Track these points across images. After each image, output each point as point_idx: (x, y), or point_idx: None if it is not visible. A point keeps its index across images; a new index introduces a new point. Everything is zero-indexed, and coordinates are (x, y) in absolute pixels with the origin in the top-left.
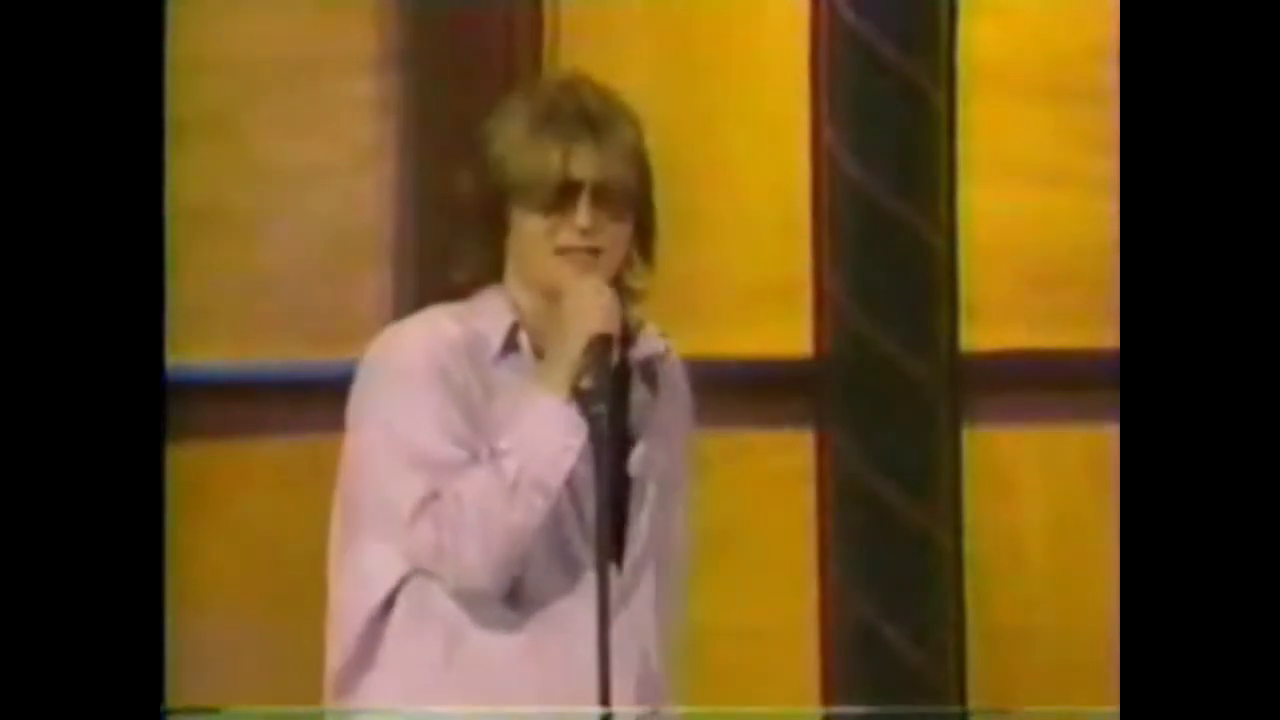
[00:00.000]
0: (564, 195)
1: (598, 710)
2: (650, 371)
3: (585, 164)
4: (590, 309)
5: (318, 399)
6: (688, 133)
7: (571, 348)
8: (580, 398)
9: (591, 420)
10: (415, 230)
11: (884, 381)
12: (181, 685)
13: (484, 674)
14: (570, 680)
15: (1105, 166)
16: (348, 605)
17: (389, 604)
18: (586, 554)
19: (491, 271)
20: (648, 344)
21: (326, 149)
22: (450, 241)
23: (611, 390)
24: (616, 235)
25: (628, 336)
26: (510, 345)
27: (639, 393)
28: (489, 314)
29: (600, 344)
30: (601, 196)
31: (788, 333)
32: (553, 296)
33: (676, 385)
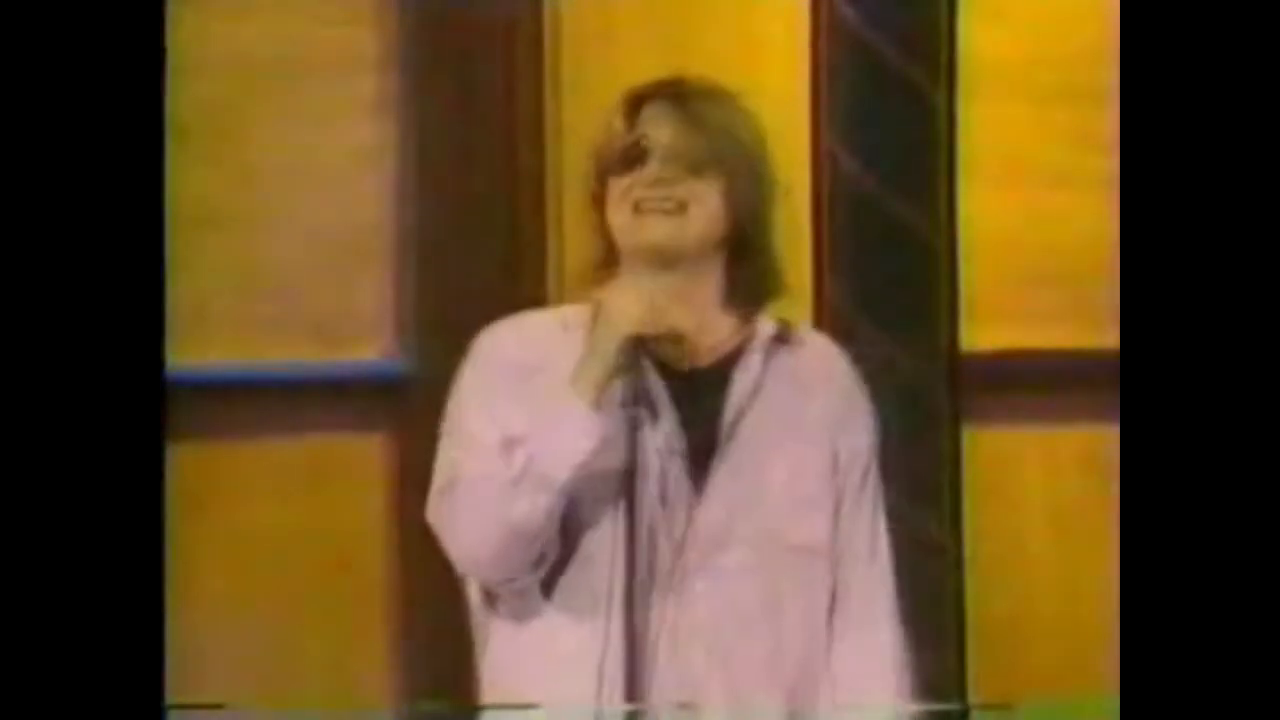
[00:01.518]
0: (637, 155)
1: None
2: (750, 363)
3: (656, 125)
4: (626, 309)
5: (318, 399)
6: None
7: (603, 348)
8: (619, 400)
9: (628, 422)
10: (415, 230)
11: (884, 382)
12: (181, 685)
13: (526, 649)
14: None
15: (1105, 166)
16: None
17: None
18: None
19: (608, 255)
20: (759, 333)
21: (326, 149)
22: (524, 244)
23: (698, 387)
24: (700, 193)
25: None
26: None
27: (740, 381)
28: (586, 307)
29: (634, 346)
30: (677, 154)
31: None
32: (633, 252)
33: (801, 372)
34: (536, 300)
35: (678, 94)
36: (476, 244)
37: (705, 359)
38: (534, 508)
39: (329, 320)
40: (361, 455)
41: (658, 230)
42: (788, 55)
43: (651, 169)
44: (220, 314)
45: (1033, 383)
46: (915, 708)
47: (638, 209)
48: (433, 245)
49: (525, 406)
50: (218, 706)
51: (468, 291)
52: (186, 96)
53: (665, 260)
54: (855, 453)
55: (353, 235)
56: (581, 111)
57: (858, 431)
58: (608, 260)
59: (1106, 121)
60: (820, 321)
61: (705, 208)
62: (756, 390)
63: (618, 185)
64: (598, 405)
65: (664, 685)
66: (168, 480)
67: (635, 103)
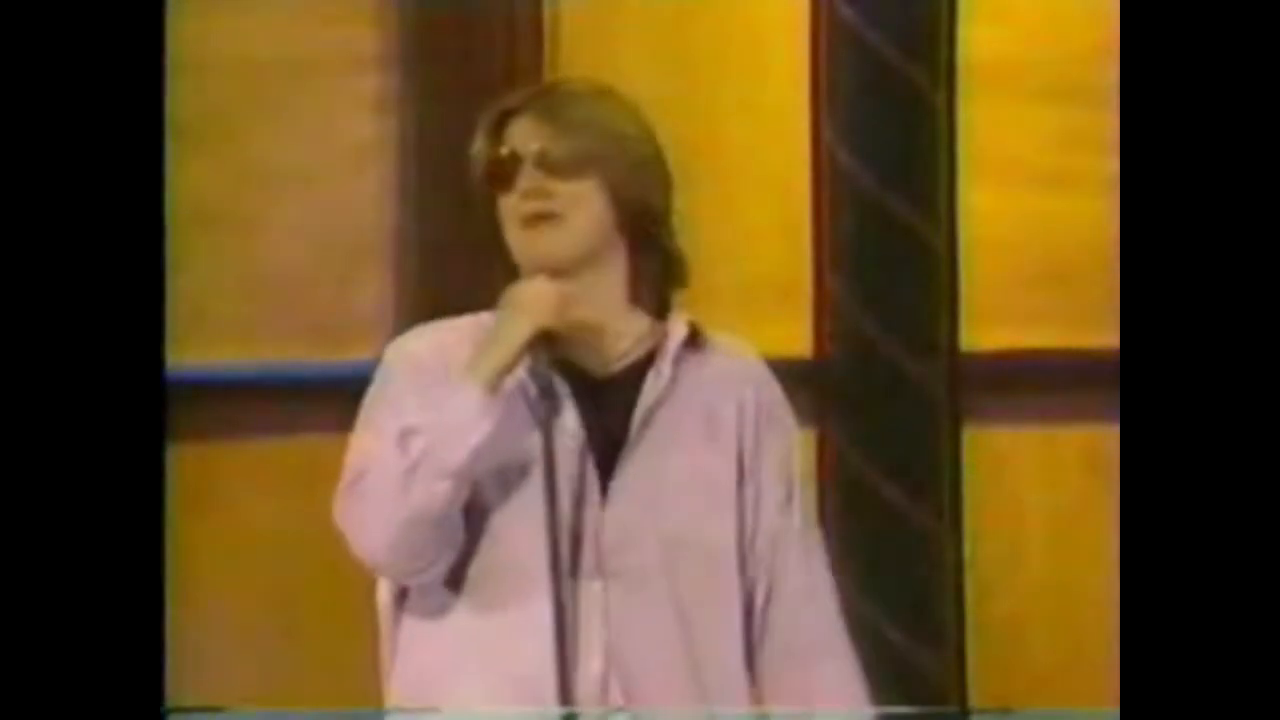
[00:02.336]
0: (508, 171)
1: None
2: (663, 361)
3: (521, 135)
4: (531, 301)
5: (318, 399)
6: (687, 133)
7: (507, 336)
8: (529, 395)
9: (540, 424)
10: (415, 230)
11: (884, 381)
12: (182, 685)
13: (437, 659)
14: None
15: (1105, 166)
16: (379, 603)
17: (403, 595)
18: (547, 559)
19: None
20: (671, 333)
21: (327, 149)
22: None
23: (606, 383)
24: (576, 195)
25: (648, 325)
26: None
27: (650, 380)
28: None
29: (540, 340)
30: (547, 164)
31: (788, 333)
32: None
33: (712, 376)
34: None
35: (544, 103)
36: (476, 244)
37: (616, 364)
38: (431, 494)
39: (329, 320)
40: None
41: (543, 242)
42: (788, 55)
43: (523, 180)
44: (220, 314)
45: (1033, 383)
46: (915, 710)
47: (523, 224)
48: (433, 245)
49: (427, 404)
50: (217, 709)
51: (468, 291)
52: (186, 96)
53: (559, 269)
54: (773, 465)
55: (353, 235)
56: None
57: (774, 443)
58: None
59: (1106, 121)
60: (820, 321)
61: (587, 210)
62: (666, 395)
63: (505, 204)
64: (493, 390)
65: (581, 689)
66: (168, 480)
67: (501, 118)
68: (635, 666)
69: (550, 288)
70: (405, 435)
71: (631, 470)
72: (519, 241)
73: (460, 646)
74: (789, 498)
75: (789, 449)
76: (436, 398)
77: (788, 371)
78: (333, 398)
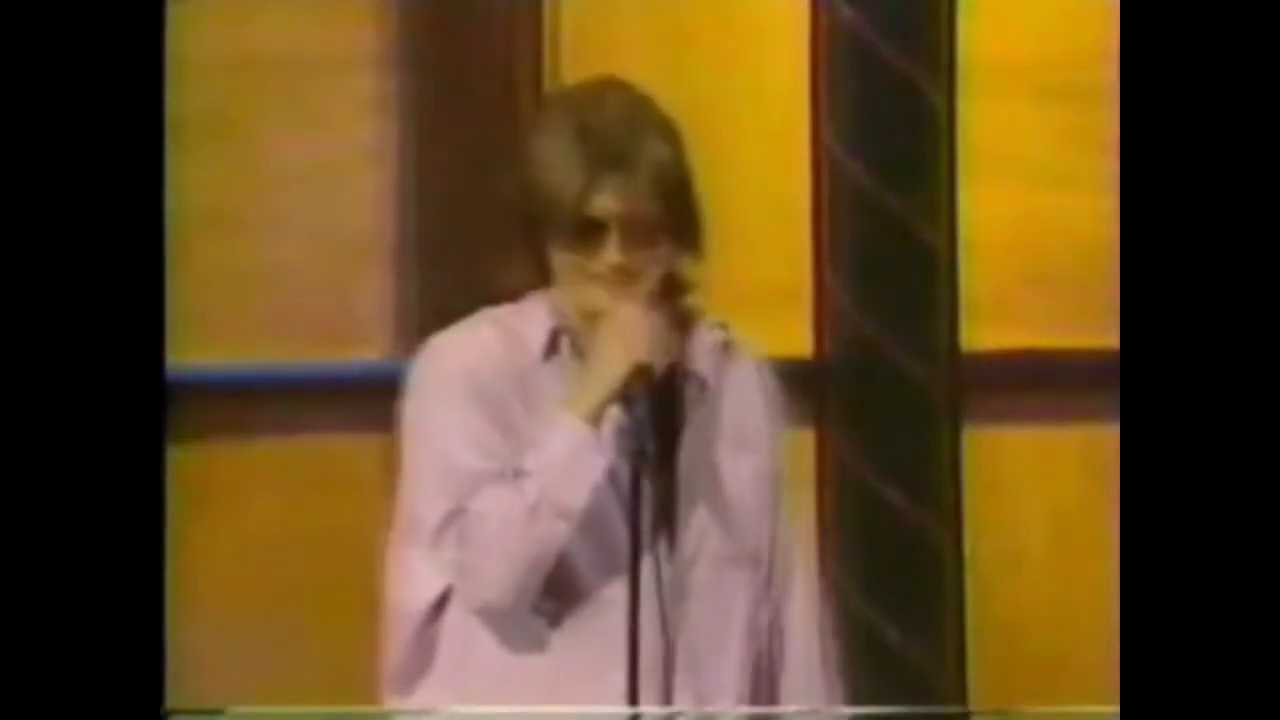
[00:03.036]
0: (592, 230)
1: (623, 710)
2: (699, 370)
3: (611, 200)
4: (630, 338)
5: (318, 399)
6: (687, 133)
7: (608, 375)
8: (619, 427)
9: (630, 454)
10: (415, 230)
11: (884, 381)
12: (182, 685)
13: (526, 678)
14: (600, 685)
15: (1105, 166)
16: (398, 610)
17: (439, 609)
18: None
19: (539, 275)
20: (701, 340)
21: (326, 149)
22: (498, 245)
23: (656, 401)
24: (653, 258)
25: (681, 334)
26: (552, 349)
27: (690, 392)
28: (533, 318)
29: (640, 374)
30: (632, 228)
31: (788, 333)
32: (591, 316)
33: (740, 378)
34: None
35: (614, 143)
36: (476, 244)
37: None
38: (554, 536)
39: (329, 320)
40: (361, 455)
41: (615, 301)
42: (788, 55)
43: (611, 254)
44: (220, 314)
45: (1033, 383)
46: (915, 710)
47: (593, 280)
48: (433, 245)
49: (508, 436)
50: (216, 712)
51: (468, 291)
52: (187, 96)
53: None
54: (777, 465)
55: (353, 236)
56: None
57: (777, 443)
58: (536, 281)
59: (1106, 121)
60: (820, 321)
61: (661, 266)
62: (703, 402)
63: (570, 256)
64: (598, 425)
65: (654, 699)
66: (168, 481)
67: (572, 141)
68: (706, 678)
69: (645, 321)
70: (520, 477)
71: (689, 482)
72: (587, 294)
73: (526, 660)
74: (779, 495)
75: (781, 448)
76: (530, 432)
77: (788, 371)
78: (333, 398)
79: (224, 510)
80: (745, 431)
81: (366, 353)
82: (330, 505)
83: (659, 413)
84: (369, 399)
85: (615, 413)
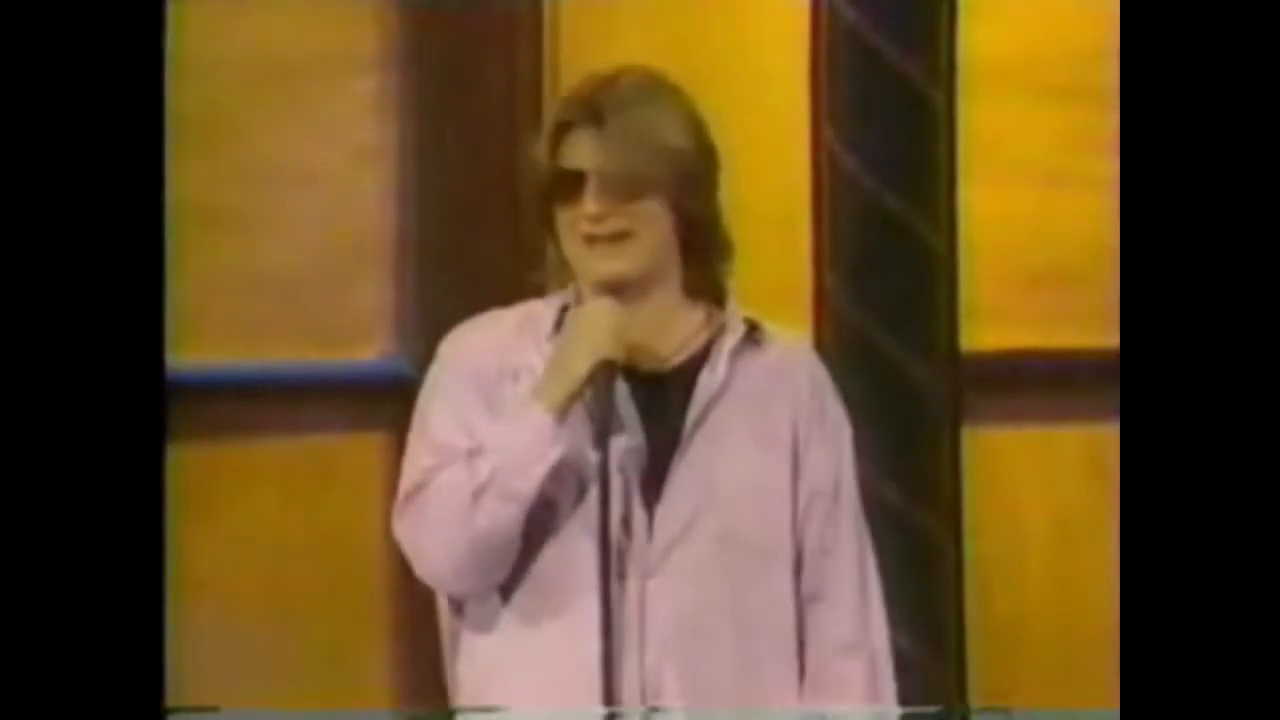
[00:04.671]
0: (570, 181)
1: (623, 710)
2: (714, 364)
3: (583, 153)
4: (596, 332)
5: (318, 399)
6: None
7: (570, 369)
8: (588, 417)
9: (598, 445)
10: (415, 230)
11: (884, 381)
12: (182, 685)
13: (492, 664)
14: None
15: (1105, 166)
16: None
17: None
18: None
19: (565, 270)
20: (722, 336)
21: (326, 149)
22: (524, 243)
23: (651, 392)
24: (641, 215)
25: (688, 328)
26: (559, 327)
27: (704, 389)
28: (551, 301)
29: (603, 369)
30: (609, 180)
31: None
32: (596, 286)
33: (770, 374)
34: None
35: (595, 104)
36: (476, 244)
37: (674, 358)
38: (496, 520)
39: (329, 320)
40: (361, 455)
41: (610, 263)
42: (788, 55)
43: (588, 204)
44: (220, 314)
45: (1033, 383)
46: (915, 710)
47: (586, 241)
48: (433, 245)
49: (492, 415)
50: (214, 709)
51: (468, 291)
52: (186, 96)
53: (621, 286)
54: (822, 462)
55: (353, 235)
56: None
57: (825, 439)
58: (562, 279)
59: (1106, 121)
60: (820, 321)
61: (654, 227)
62: (721, 392)
63: (562, 217)
64: (562, 417)
65: (630, 685)
66: (168, 480)
67: (558, 130)
68: (690, 664)
69: (612, 316)
70: (473, 455)
71: (685, 468)
72: (585, 259)
73: (513, 649)
74: (836, 496)
75: (840, 445)
76: (500, 410)
77: None
78: (333, 398)
79: (224, 510)
80: (768, 424)
81: (366, 353)
82: (330, 505)
83: (667, 390)
84: (369, 399)
85: (585, 404)
